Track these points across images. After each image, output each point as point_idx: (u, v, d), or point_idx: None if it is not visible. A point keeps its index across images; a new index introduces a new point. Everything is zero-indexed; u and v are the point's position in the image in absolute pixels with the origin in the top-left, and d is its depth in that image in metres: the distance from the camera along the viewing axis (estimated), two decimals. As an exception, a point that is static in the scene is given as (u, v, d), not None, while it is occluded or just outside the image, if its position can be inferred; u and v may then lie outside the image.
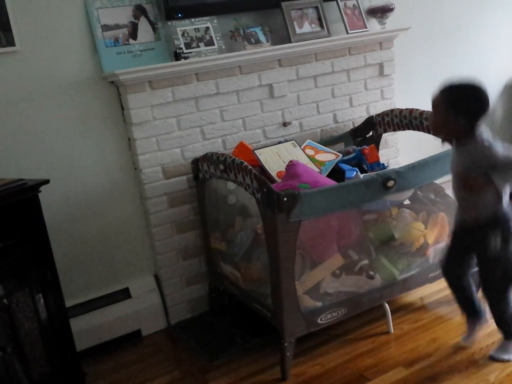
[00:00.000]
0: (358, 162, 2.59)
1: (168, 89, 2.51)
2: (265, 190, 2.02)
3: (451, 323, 2.45)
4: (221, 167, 2.28)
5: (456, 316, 2.45)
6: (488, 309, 2.16)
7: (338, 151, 2.68)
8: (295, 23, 2.76)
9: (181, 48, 2.53)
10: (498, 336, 2.24)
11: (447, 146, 2.05)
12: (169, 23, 2.57)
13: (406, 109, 2.75)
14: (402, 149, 3.16)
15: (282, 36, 2.78)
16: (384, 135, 2.98)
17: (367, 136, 2.97)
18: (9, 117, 2.33)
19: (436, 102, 1.94)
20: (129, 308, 2.65)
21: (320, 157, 2.62)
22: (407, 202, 2.48)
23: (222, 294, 2.74)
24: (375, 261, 2.38)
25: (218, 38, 2.63)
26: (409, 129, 2.77)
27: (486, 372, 2.09)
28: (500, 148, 1.90)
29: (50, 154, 2.43)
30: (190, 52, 2.54)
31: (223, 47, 2.64)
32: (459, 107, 1.88)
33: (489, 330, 2.32)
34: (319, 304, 2.23)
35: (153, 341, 2.65)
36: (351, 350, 2.35)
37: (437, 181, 2.45)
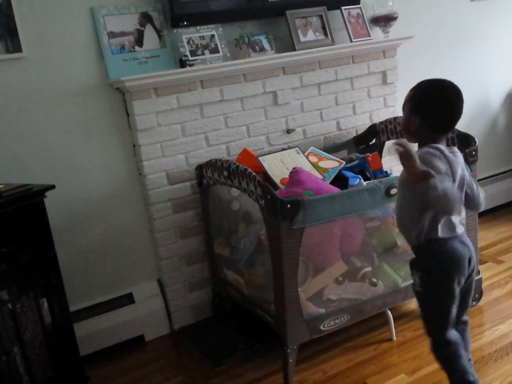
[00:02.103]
0: (361, 170, 2.60)
1: (173, 96, 2.52)
2: (268, 196, 2.03)
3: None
4: (225, 173, 2.30)
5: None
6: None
7: (341, 159, 2.69)
8: (299, 31, 2.78)
9: (186, 56, 2.55)
10: (501, 344, 2.26)
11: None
12: (175, 31, 2.59)
13: (409, 117, 2.76)
14: (405, 157, 3.17)
15: (286, 44, 2.81)
16: (387, 142, 2.99)
17: (370, 143, 2.98)
18: (15, 122, 2.35)
19: (406, 97, 1.79)
20: (133, 313, 2.65)
21: (324, 164, 2.63)
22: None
23: (225, 299, 2.74)
24: (378, 268, 2.38)
25: (223, 45, 2.65)
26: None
27: (488, 381, 2.08)
28: (448, 183, 1.58)
29: (56, 160, 2.45)
30: (195, 60, 2.56)
31: (228, 54, 2.66)
32: (420, 107, 1.71)
33: (491, 338, 2.33)
34: (322, 310, 2.23)
35: (156, 346, 2.65)
36: (354, 357, 2.35)
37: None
